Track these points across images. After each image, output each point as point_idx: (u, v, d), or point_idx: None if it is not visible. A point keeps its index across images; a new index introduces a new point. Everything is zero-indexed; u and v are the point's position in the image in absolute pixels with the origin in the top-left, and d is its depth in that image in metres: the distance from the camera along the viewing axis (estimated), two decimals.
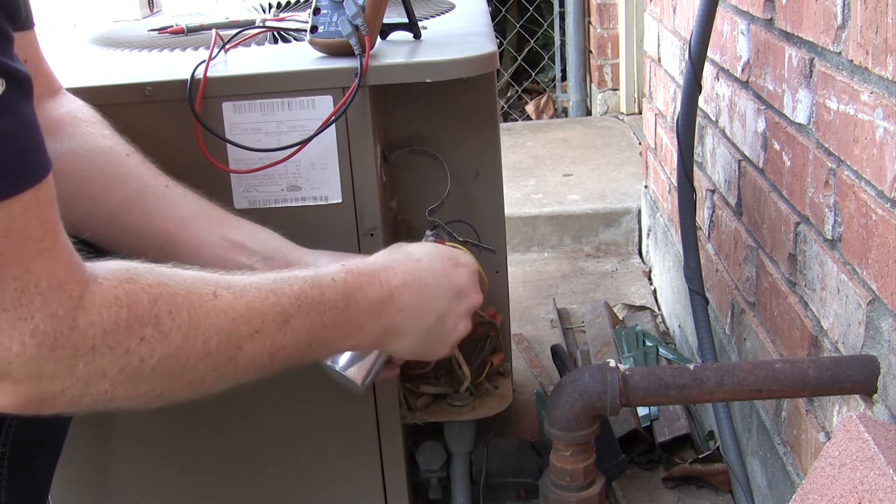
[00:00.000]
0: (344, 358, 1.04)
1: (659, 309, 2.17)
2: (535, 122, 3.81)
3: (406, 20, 1.23)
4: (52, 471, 1.04)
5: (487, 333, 1.31)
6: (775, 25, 1.23)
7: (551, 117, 3.96)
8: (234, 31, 1.30)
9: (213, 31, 1.24)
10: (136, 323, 0.71)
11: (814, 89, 1.09)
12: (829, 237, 1.06)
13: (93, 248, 0.96)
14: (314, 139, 1.10)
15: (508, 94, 4.12)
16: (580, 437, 1.06)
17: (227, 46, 1.25)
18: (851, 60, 0.97)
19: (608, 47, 3.64)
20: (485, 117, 1.34)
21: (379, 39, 1.21)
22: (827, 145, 1.06)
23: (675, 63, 1.91)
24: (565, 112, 3.92)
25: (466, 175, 1.34)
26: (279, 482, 1.30)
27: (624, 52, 3.58)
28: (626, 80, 3.60)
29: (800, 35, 1.13)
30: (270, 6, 1.63)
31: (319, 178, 1.15)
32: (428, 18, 1.42)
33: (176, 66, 1.20)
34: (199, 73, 1.11)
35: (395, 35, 1.24)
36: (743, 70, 1.40)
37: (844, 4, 0.98)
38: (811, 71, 1.10)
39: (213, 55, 1.17)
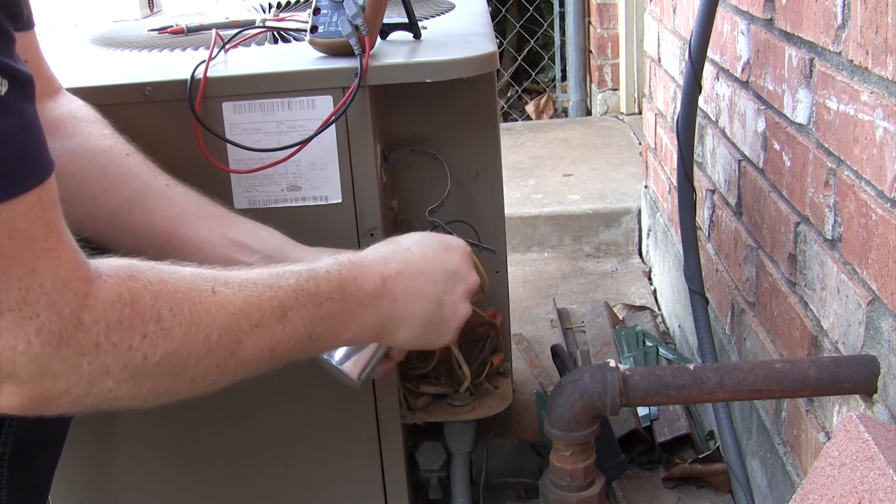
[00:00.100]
0: (340, 352, 1.04)
1: (659, 309, 2.17)
2: (535, 122, 3.81)
3: (406, 20, 1.23)
4: (52, 471, 1.04)
5: (487, 333, 1.31)
6: (775, 25, 1.23)
7: (551, 117, 3.96)
8: (234, 31, 1.30)
9: (213, 31, 1.24)
10: (138, 320, 0.71)
11: (814, 89, 1.09)
12: (829, 237, 1.07)
13: (94, 247, 0.96)
14: (314, 139, 1.10)
15: (508, 94, 4.12)
16: (580, 437, 1.06)
17: (227, 46, 1.25)
18: (851, 60, 0.97)
19: (608, 47, 3.64)
20: (485, 117, 1.34)
21: (379, 39, 1.21)
22: (827, 145, 1.06)
23: (675, 63, 1.91)
24: (565, 112, 3.92)
25: (466, 175, 1.34)
26: (279, 482, 1.30)
27: (624, 52, 3.58)
28: (626, 80, 3.60)
29: (800, 35, 1.13)
30: (270, 6, 1.63)
31: (319, 178, 1.15)
32: (428, 18, 1.42)
33: (176, 66, 1.20)
34: (199, 73, 1.11)
35: (395, 35, 1.24)
36: (743, 70, 1.40)
37: (844, 4, 0.98)
38: (811, 71, 1.10)
39: (213, 55, 1.17)
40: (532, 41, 4.00)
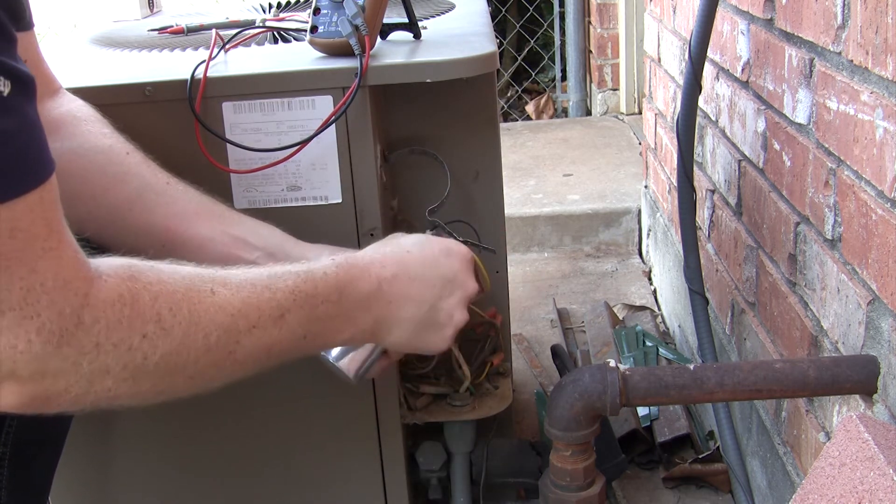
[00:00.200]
0: (337, 349, 1.05)
1: (659, 309, 2.17)
2: (535, 122, 3.81)
3: (406, 20, 1.23)
4: (52, 470, 1.04)
5: (487, 333, 1.31)
6: (775, 25, 1.23)
7: (551, 117, 3.96)
8: (234, 31, 1.30)
9: (213, 31, 1.24)
10: (138, 320, 0.71)
11: (814, 89, 1.09)
12: (829, 237, 1.07)
13: (94, 246, 0.96)
14: (314, 139, 1.11)
15: (508, 94, 4.12)
16: (580, 437, 1.06)
17: (227, 46, 1.25)
18: (851, 60, 0.97)
19: (608, 47, 3.64)
20: (485, 117, 1.34)
21: (379, 39, 1.22)
22: (827, 145, 1.06)
23: (675, 63, 1.91)
24: (565, 112, 3.92)
25: (466, 175, 1.34)
26: (279, 482, 1.30)
27: (624, 52, 3.58)
28: (626, 80, 3.60)
29: (800, 35, 1.13)
30: (270, 6, 1.63)
31: (319, 178, 1.15)
32: (428, 18, 1.42)
33: (176, 66, 1.20)
34: (199, 73, 1.11)
35: (395, 35, 1.24)
36: (743, 70, 1.40)
37: (844, 4, 0.98)
38: (811, 71, 1.10)
39: (213, 55, 1.17)
40: (532, 41, 4.00)
